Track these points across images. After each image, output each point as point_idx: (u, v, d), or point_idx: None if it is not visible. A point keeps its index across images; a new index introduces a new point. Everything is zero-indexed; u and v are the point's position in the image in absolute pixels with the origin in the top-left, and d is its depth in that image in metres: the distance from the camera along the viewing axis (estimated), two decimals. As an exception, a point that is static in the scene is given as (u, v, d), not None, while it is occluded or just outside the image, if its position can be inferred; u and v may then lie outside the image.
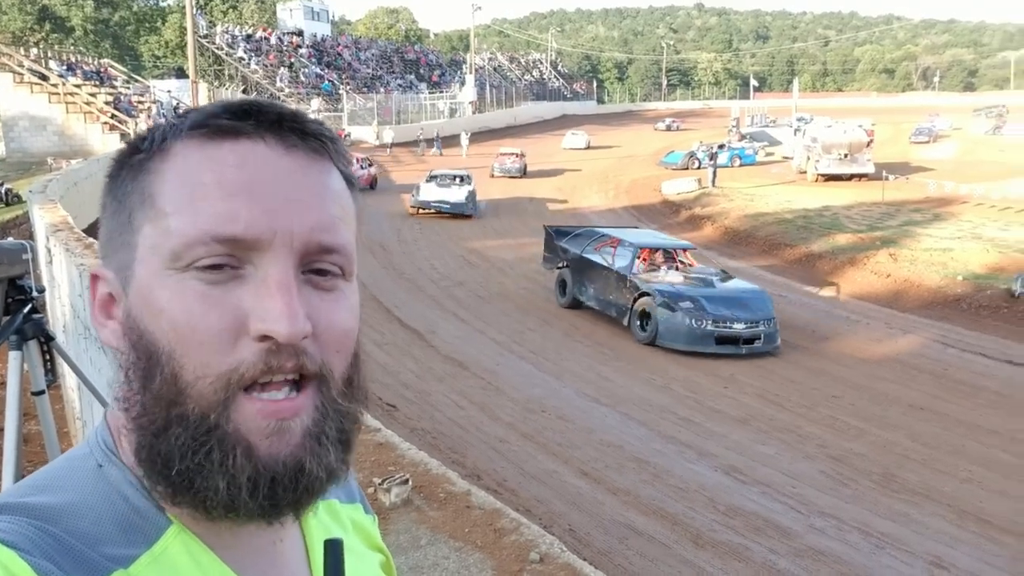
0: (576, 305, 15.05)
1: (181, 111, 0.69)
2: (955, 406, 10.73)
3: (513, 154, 35.85)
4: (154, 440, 0.61)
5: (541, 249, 17.02)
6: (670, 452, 8.93)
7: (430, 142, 42.35)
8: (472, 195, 25.29)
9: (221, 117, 0.64)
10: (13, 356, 2.66)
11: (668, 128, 60.63)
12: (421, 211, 24.85)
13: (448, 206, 24.46)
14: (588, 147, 47.05)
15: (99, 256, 0.70)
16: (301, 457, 0.62)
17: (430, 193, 24.95)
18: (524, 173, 34.46)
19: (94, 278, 0.69)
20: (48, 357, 2.77)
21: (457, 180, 26.15)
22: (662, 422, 9.81)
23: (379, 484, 4.25)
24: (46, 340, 2.75)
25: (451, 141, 43.61)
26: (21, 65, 32.15)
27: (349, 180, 0.71)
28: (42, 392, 2.78)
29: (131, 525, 0.62)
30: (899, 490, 8.29)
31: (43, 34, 45.38)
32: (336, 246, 0.65)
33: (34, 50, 37.22)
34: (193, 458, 0.60)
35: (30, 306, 2.69)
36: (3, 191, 24.72)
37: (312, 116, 0.69)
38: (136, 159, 0.66)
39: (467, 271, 18.25)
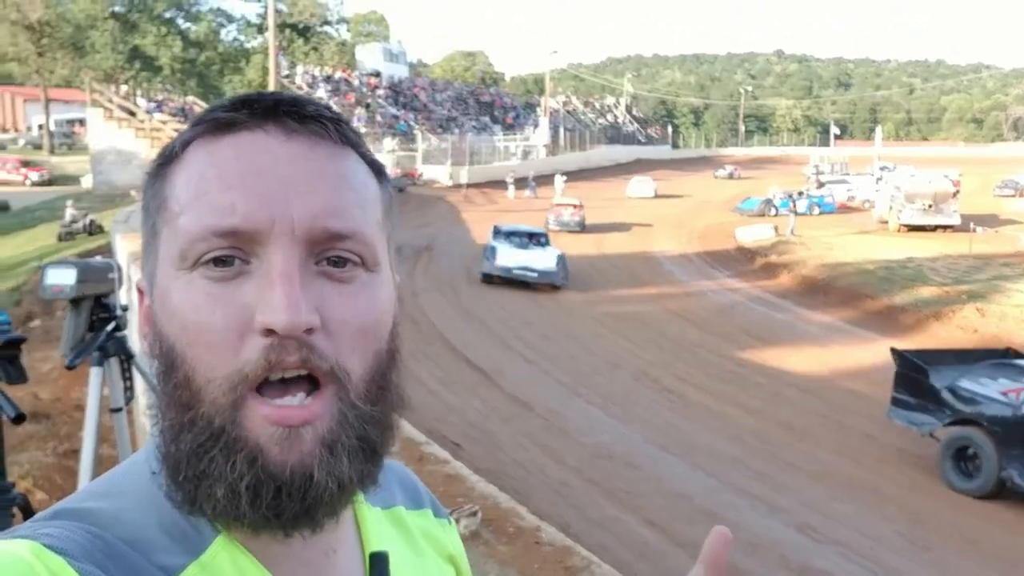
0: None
1: None
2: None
3: (571, 205, 31.58)
4: (170, 445, 0.60)
5: (610, 291, 16.84)
6: (741, 505, 8.60)
7: (520, 182, 42.39)
8: (562, 259, 20.93)
9: (218, 111, 0.63)
10: (95, 372, 2.69)
11: (730, 176, 58.36)
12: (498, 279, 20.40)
13: (535, 274, 20.00)
14: (656, 196, 43.50)
15: (141, 269, 0.69)
16: (310, 466, 0.58)
17: (510, 257, 20.38)
18: (583, 227, 30.18)
19: (139, 292, 0.68)
20: (128, 375, 2.79)
21: (536, 239, 22.01)
22: (733, 473, 9.48)
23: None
24: (127, 358, 2.78)
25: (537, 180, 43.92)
26: (111, 101, 33.72)
27: (372, 165, 0.68)
28: (120, 409, 2.81)
29: (181, 533, 0.61)
30: (987, 557, 7.81)
31: (133, 72, 47.55)
32: (347, 231, 0.61)
33: (124, 87, 39.01)
34: (198, 464, 0.58)
35: (114, 324, 2.72)
36: (87, 221, 25.89)
37: (319, 102, 0.66)
38: (156, 167, 0.66)
39: (535, 312, 18.16)
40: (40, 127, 56.77)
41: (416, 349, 13.71)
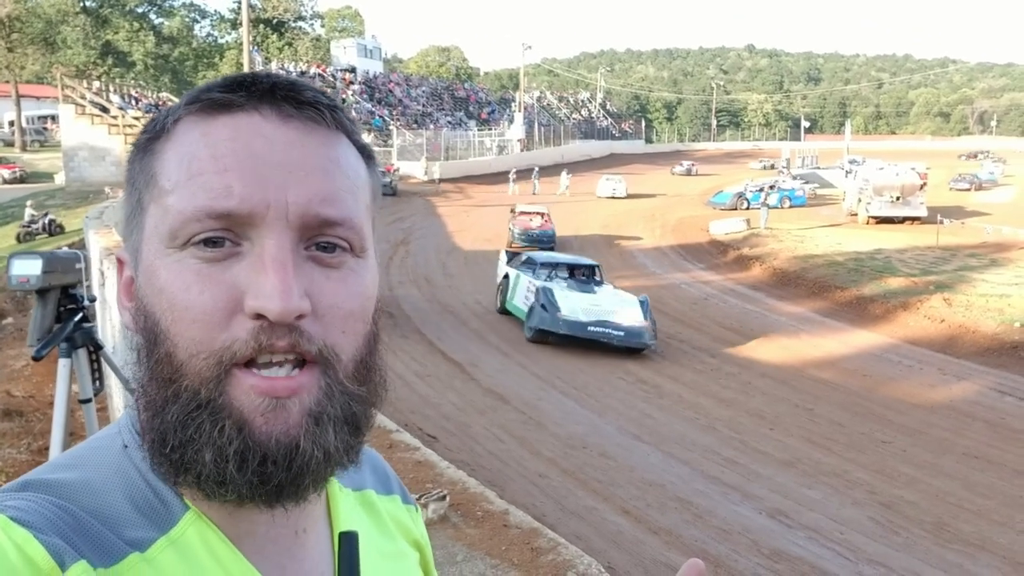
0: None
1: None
2: (1012, 456, 10.35)
3: (538, 214, 26.30)
4: (153, 419, 0.61)
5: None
6: (713, 493, 8.74)
7: (522, 173, 42.29)
8: (647, 308, 15.03)
9: (214, 91, 0.63)
10: (63, 363, 2.70)
11: (688, 172, 57.77)
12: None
13: (621, 333, 14.35)
14: (627, 195, 40.51)
15: (122, 240, 0.69)
16: (296, 436, 0.59)
17: (578, 307, 14.75)
18: (553, 243, 24.98)
19: (119, 262, 0.69)
20: (96, 366, 2.80)
21: (589, 275, 17.06)
22: (705, 462, 9.62)
23: (417, 499, 4.23)
24: (95, 349, 2.79)
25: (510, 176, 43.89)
26: (83, 97, 33.31)
27: (362, 150, 0.69)
28: (89, 400, 2.82)
29: (150, 508, 0.61)
30: (952, 540, 8.00)
31: (105, 68, 46.99)
32: (339, 218, 0.62)
33: (96, 83, 38.51)
34: (184, 432, 0.59)
35: (81, 314, 2.73)
36: (47, 221, 25.23)
37: (316, 87, 0.66)
38: (143, 140, 0.66)
39: (511, 306, 18.23)
40: (11, 124, 55.87)
41: (392, 342, 13.73)
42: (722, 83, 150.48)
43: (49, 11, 46.20)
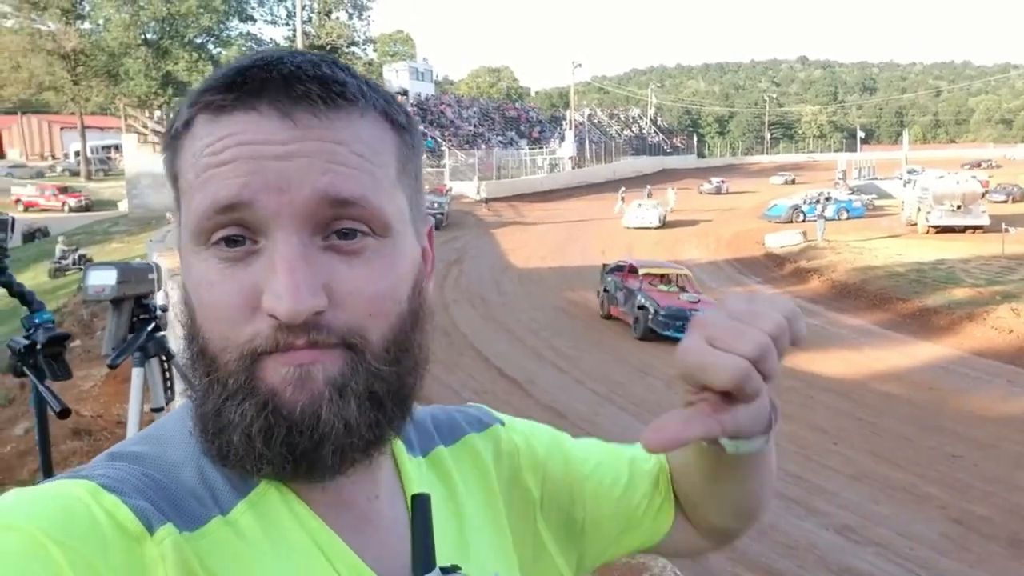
0: None
1: None
2: (1090, 469, 9.99)
3: (676, 279, 18.68)
4: (199, 408, 0.64)
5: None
6: (777, 508, 8.58)
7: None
8: None
9: (210, 94, 0.62)
10: (136, 373, 2.76)
11: (717, 191, 53.48)
12: None
13: None
14: (662, 225, 34.04)
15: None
16: (319, 406, 0.60)
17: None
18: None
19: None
20: (168, 375, 2.87)
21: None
22: (768, 477, 9.46)
23: None
24: (167, 358, 2.85)
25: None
26: (145, 126, 34.29)
27: (386, 115, 0.66)
28: (161, 409, 2.88)
29: (227, 476, 0.64)
30: (1029, 556, 7.74)
31: (166, 97, 48.30)
32: (349, 198, 0.61)
33: (157, 112, 39.63)
34: (219, 421, 0.62)
35: (154, 324, 2.80)
36: (76, 256, 24.63)
37: (315, 62, 0.63)
38: (169, 136, 0.66)
39: (566, 322, 18.22)
40: (77, 154, 57.90)
41: (449, 360, 13.82)
42: (775, 95, 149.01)
43: (112, 44, 47.75)
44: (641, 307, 16.67)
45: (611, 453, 0.94)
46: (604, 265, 20.10)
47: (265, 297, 0.59)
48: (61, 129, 69.58)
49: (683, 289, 17.82)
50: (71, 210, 42.53)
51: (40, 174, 56.58)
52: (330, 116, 0.61)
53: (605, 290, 18.85)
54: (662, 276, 18.53)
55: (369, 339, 0.62)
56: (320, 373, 0.60)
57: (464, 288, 21.63)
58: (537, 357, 15.06)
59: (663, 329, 15.97)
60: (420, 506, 0.69)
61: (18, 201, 44.66)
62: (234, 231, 0.60)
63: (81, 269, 24.62)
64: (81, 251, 25.83)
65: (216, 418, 0.62)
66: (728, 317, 0.63)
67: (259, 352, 0.60)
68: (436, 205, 33.63)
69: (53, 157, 68.52)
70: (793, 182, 57.01)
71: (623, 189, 42.11)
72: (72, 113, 53.23)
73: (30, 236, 34.13)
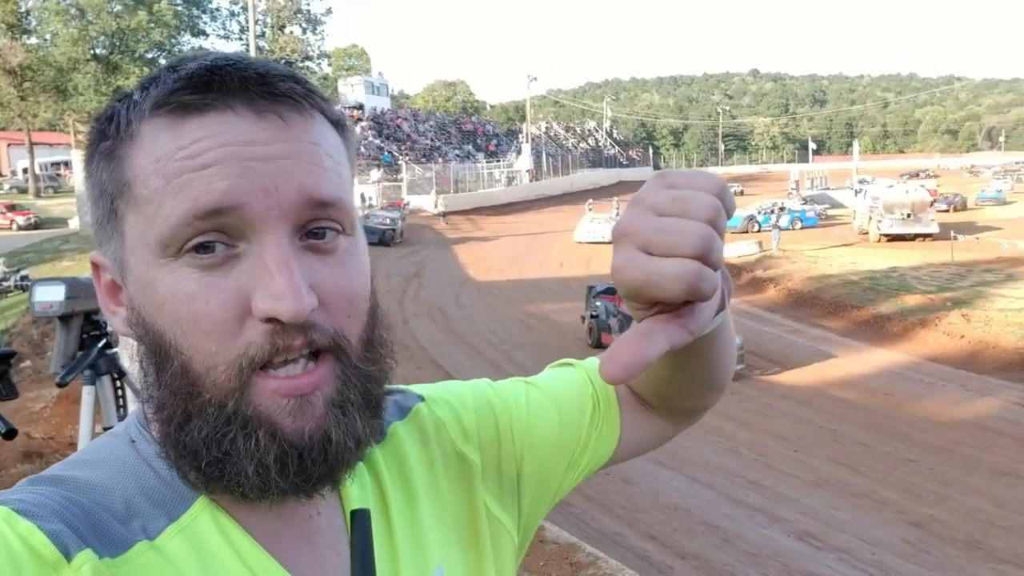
0: None
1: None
2: (1042, 470, 10.20)
3: None
4: (178, 433, 0.59)
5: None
6: (740, 516, 8.63)
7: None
8: None
9: (183, 93, 0.59)
10: (87, 391, 2.66)
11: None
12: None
13: None
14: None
15: (95, 243, 0.67)
16: (327, 428, 0.59)
17: None
18: None
19: (95, 266, 0.67)
20: (121, 393, 2.77)
21: None
22: (730, 485, 9.51)
23: None
24: (119, 375, 2.75)
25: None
26: (96, 143, 33.66)
27: (337, 125, 0.65)
28: (112, 428, 2.77)
29: (159, 497, 0.61)
30: (986, 558, 7.86)
31: (118, 114, 47.59)
32: (330, 200, 0.60)
33: (108, 129, 38.99)
34: (219, 448, 0.58)
35: (105, 340, 2.70)
36: (18, 278, 24.33)
37: (286, 71, 0.62)
38: (105, 146, 0.62)
39: (526, 334, 18.20)
40: (25, 171, 56.55)
41: (408, 375, 13.67)
42: (728, 108, 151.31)
43: (60, 59, 46.87)
44: None
45: (538, 390, 0.88)
46: (590, 288, 17.76)
47: (260, 301, 0.57)
48: (8, 145, 67.99)
49: None
50: (20, 228, 41.51)
51: (-14, 192, 55.26)
52: (304, 117, 0.61)
53: (593, 315, 16.98)
54: None
55: (351, 341, 0.62)
56: (319, 398, 0.59)
57: (424, 302, 21.52)
58: (497, 370, 15.00)
59: None
60: (359, 523, 0.66)
61: (-36, 219, 43.59)
62: (211, 237, 0.57)
63: (24, 290, 24.03)
64: (23, 271, 25.10)
65: (216, 446, 0.58)
66: (655, 215, 0.55)
67: (255, 363, 0.57)
68: (388, 221, 32.80)
69: (0, 175, 67.02)
70: (741, 193, 57.54)
71: (590, 201, 41.89)
72: (19, 129, 52.12)
73: (-24, 255, 33.22)
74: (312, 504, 0.66)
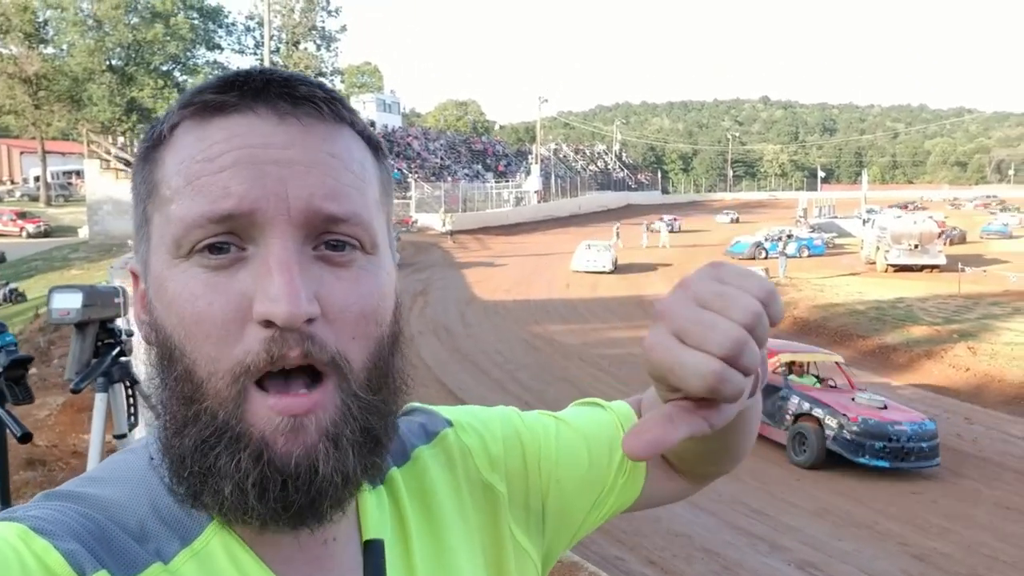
0: None
1: None
2: (1046, 506, 10.14)
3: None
4: (173, 439, 0.59)
5: (605, 333, 16.85)
6: (741, 544, 8.59)
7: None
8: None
9: (207, 92, 0.60)
10: (99, 398, 2.69)
11: (669, 230, 43.66)
12: None
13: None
14: (613, 270, 30.11)
15: (135, 253, 0.67)
16: (315, 459, 0.57)
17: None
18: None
19: (133, 276, 0.67)
20: (132, 401, 2.79)
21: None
22: (732, 513, 9.47)
23: None
24: (131, 384, 2.78)
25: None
26: (108, 153, 33.92)
27: (368, 141, 0.66)
28: (124, 436, 2.80)
29: (174, 519, 0.60)
30: (989, 593, 7.81)
31: (130, 124, 47.86)
32: (344, 214, 0.59)
33: (121, 139, 39.24)
34: (203, 461, 0.57)
35: (119, 349, 2.73)
36: (7, 291, 23.83)
37: (312, 78, 0.64)
38: (143, 150, 0.64)
39: (531, 355, 18.19)
40: (37, 179, 56.94)
41: (412, 393, 13.65)
42: (737, 134, 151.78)
43: (76, 69, 47.28)
44: (805, 417, 11.89)
45: (568, 427, 0.88)
46: None
47: (258, 302, 0.56)
48: (21, 154, 68.46)
49: (822, 380, 13.32)
50: (29, 236, 41.77)
51: (-2, 199, 55.61)
52: (328, 126, 0.61)
53: None
54: (792, 363, 13.34)
55: (352, 366, 0.60)
56: (312, 424, 0.58)
57: (429, 319, 21.54)
58: (501, 389, 14.99)
59: (855, 454, 11.15)
60: (373, 554, 0.66)
61: (-26, 226, 43.84)
62: (223, 239, 0.58)
63: (12, 302, 24.00)
64: (12, 285, 25.06)
65: (200, 457, 0.57)
66: (695, 303, 0.54)
67: (250, 373, 0.56)
68: None
69: (12, 182, 67.36)
70: (737, 220, 57.40)
71: (618, 225, 41.46)
72: (33, 138, 52.50)
73: (-14, 261, 33.45)
74: (328, 529, 0.65)
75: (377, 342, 0.62)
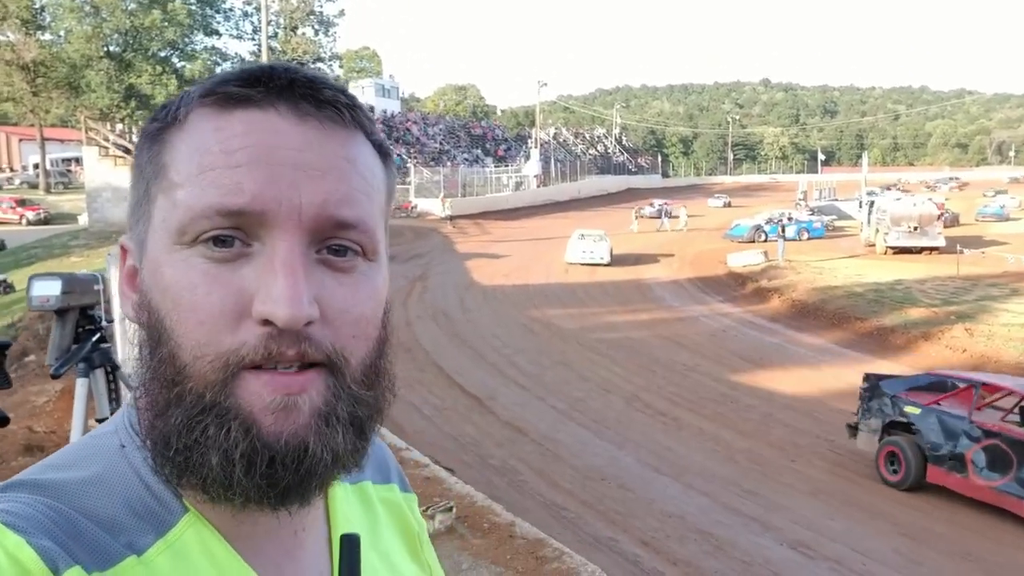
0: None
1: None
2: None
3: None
4: (156, 420, 0.59)
5: (603, 317, 16.92)
6: (734, 524, 8.65)
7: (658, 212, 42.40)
8: None
9: (231, 84, 0.61)
10: (80, 383, 2.72)
11: (660, 215, 44.01)
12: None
13: None
14: (610, 262, 28.76)
15: (127, 227, 0.67)
16: (305, 437, 0.58)
17: None
18: None
19: (122, 250, 0.67)
20: (114, 386, 2.83)
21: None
22: (725, 494, 9.53)
23: (424, 511, 4.27)
24: (112, 369, 2.82)
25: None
26: (107, 139, 33.84)
27: (380, 149, 0.66)
28: (105, 419, 2.83)
29: (147, 510, 0.60)
30: (978, 570, 7.86)
31: (129, 111, 47.72)
32: (354, 221, 0.60)
33: (120, 125, 39.14)
34: (190, 435, 0.57)
35: (99, 335, 2.76)
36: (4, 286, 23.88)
37: (335, 83, 0.64)
38: (152, 128, 0.64)
39: (529, 339, 18.23)
40: (36, 166, 56.93)
41: (410, 377, 13.75)
42: (738, 117, 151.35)
43: (73, 56, 47.12)
44: None
45: None
46: (871, 377, 11.28)
47: (259, 302, 0.57)
48: (20, 141, 68.36)
49: None
50: (29, 223, 41.82)
51: (-3, 186, 55.62)
52: (346, 131, 0.62)
53: (891, 426, 10.32)
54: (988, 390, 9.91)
55: (350, 361, 0.61)
56: (306, 404, 0.58)
57: (428, 304, 21.57)
58: (499, 373, 15.04)
59: None
60: (349, 547, 0.67)
61: (-27, 214, 43.86)
62: (228, 232, 0.58)
63: (5, 293, 23.97)
64: (3, 276, 25.00)
65: (186, 432, 0.57)
66: None
67: (245, 363, 0.57)
68: None
69: (11, 169, 67.29)
70: (728, 205, 57.46)
71: (637, 207, 42.56)
72: (31, 125, 52.38)
73: (-15, 249, 33.49)
74: (298, 519, 0.66)
75: (375, 342, 0.64)
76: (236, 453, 0.57)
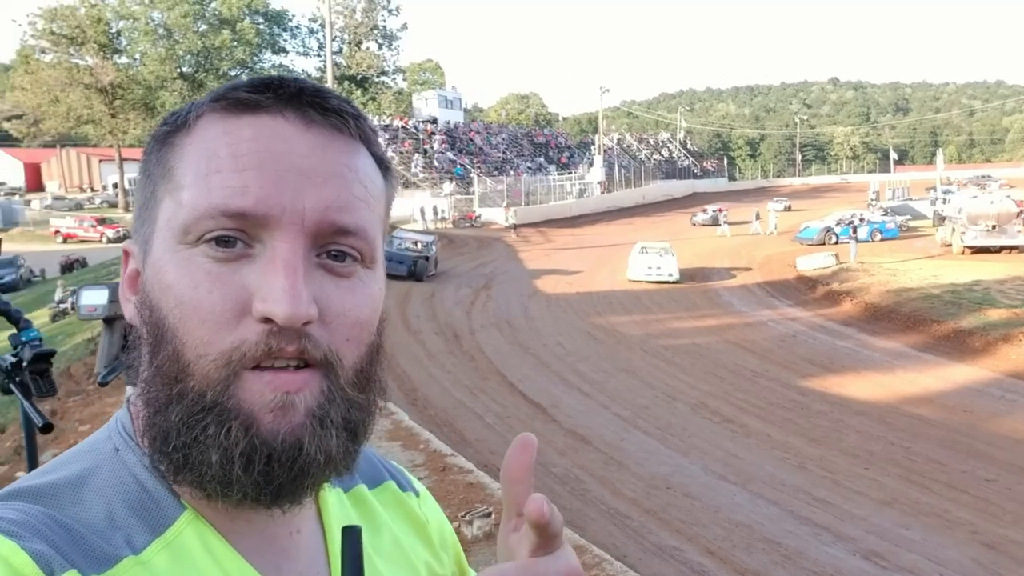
0: None
1: None
2: None
3: None
4: (155, 417, 0.60)
5: (668, 324, 16.65)
6: (804, 534, 8.43)
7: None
8: None
9: (241, 90, 0.63)
10: (130, 390, 2.79)
11: (714, 222, 44.05)
12: None
13: None
14: (679, 279, 26.03)
15: (132, 231, 0.69)
16: (301, 436, 0.59)
17: None
18: None
19: (125, 254, 0.69)
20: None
21: None
22: (795, 502, 9.30)
23: (462, 517, 4.27)
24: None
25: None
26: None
27: (380, 162, 0.68)
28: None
29: (144, 510, 0.61)
30: (1065, 584, 7.50)
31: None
32: (354, 227, 0.62)
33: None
34: (189, 433, 0.59)
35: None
36: (74, 299, 24.95)
37: (341, 95, 0.66)
38: (161, 131, 0.65)
39: (592, 347, 18.13)
40: (115, 186, 59.14)
41: (472, 384, 13.79)
42: (806, 117, 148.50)
43: (148, 78, 48.88)
44: None
45: None
46: None
47: (259, 300, 0.58)
48: (100, 161, 71.07)
49: None
50: (109, 241, 43.40)
51: (79, 206, 57.83)
52: (349, 140, 0.64)
53: None
54: None
55: (343, 363, 0.62)
56: (302, 404, 0.60)
57: (492, 313, 21.65)
58: (562, 381, 14.98)
59: None
60: (351, 539, 0.67)
61: (57, 232, 45.72)
62: (231, 233, 0.59)
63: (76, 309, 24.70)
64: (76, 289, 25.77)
65: (186, 430, 0.59)
66: None
67: (245, 360, 0.58)
68: (419, 247, 26.67)
69: (92, 189, 70.01)
70: (789, 208, 55.75)
71: (758, 212, 41.67)
72: (110, 146, 54.36)
73: (68, 267, 34.86)
74: (293, 521, 0.68)
75: (368, 347, 0.65)
76: (236, 451, 0.58)
